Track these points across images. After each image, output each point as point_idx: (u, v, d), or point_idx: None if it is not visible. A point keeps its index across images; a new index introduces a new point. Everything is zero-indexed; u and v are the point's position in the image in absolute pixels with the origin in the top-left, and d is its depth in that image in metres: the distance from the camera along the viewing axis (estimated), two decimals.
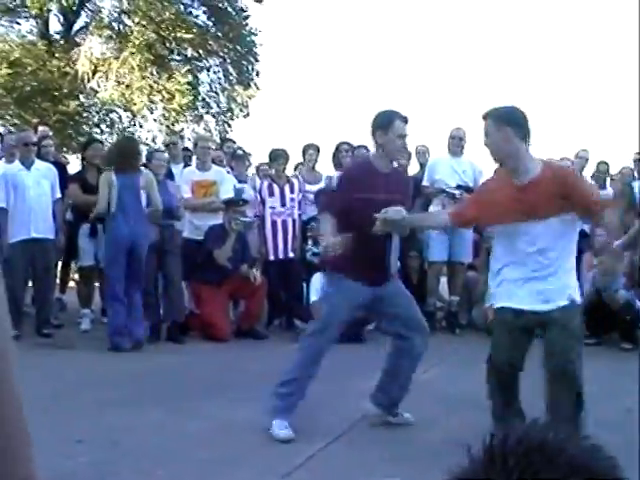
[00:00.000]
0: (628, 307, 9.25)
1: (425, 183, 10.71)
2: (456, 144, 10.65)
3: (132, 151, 9.35)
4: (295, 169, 11.62)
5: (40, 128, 11.97)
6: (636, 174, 11.78)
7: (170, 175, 10.06)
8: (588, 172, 12.08)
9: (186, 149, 12.37)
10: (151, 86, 20.94)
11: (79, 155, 12.44)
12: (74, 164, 13.51)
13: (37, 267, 9.37)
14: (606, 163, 12.09)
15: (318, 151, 11.84)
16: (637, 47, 20.72)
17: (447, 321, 10.65)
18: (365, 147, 11.54)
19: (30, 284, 9.67)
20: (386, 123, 5.65)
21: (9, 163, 9.53)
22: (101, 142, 12.37)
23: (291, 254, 10.53)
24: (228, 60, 22.41)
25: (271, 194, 10.54)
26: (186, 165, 11.07)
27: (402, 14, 42.32)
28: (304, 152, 11.75)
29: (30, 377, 7.37)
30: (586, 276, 9.68)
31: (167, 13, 20.76)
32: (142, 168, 9.22)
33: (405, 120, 5.72)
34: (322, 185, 11.24)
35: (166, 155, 10.17)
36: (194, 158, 11.03)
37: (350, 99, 40.15)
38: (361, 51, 42.67)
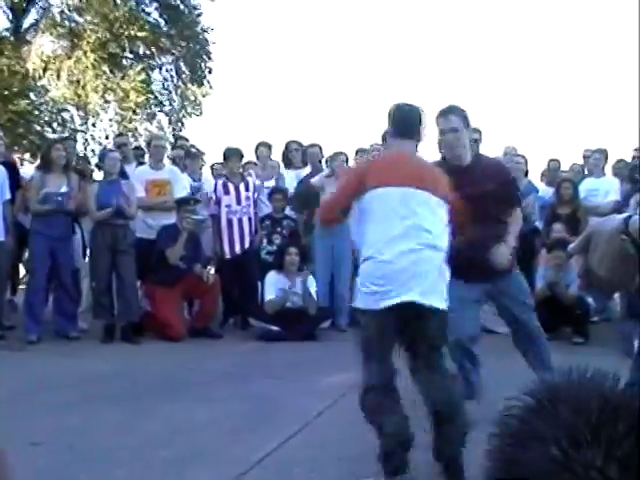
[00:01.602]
0: (579, 302, 9.38)
1: None
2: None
3: None
4: (243, 168, 11.64)
5: None
6: (586, 171, 11.91)
7: (123, 175, 9.99)
8: (534, 171, 12.21)
9: (139, 148, 12.31)
10: (104, 85, 20.82)
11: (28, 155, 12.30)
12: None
13: None
14: (557, 160, 12.20)
15: (270, 149, 11.90)
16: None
17: None
18: (318, 146, 11.60)
19: None
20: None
21: None
22: (72, 139, 12.28)
23: (247, 246, 10.50)
24: (181, 58, 22.36)
25: (226, 192, 10.52)
26: (139, 164, 11.03)
27: (354, 9, 42.43)
28: (256, 150, 11.81)
29: None
30: (539, 272, 9.82)
31: (120, 11, 20.66)
32: None
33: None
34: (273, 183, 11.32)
35: (118, 154, 10.11)
36: (147, 157, 11.01)
37: (303, 97, 40.20)
38: (313, 48, 42.72)
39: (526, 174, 11.71)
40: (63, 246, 9.48)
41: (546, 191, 11.33)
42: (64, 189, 9.39)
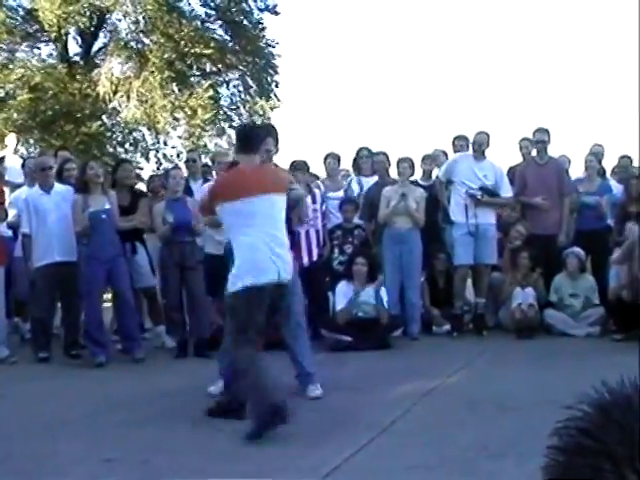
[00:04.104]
0: None
1: (440, 175, 10.71)
2: (477, 149, 10.54)
3: None
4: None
5: (60, 153, 11.87)
6: None
7: (189, 192, 10.08)
8: (608, 166, 12.04)
9: (206, 165, 12.42)
10: (173, 103, 21.08)
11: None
12: None
13: (63, 290, 9.42)
14: (629, 157, 11.97)
15: (338, 160, 11.92)
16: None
17: (474, 323, 10.58)
18: (384, 153, 11.61)
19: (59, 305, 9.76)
20: None
21: (31, 187, 9.69)
22: (130, 162, 12.38)
23: (315, 258, 10.48)
24: (247, 73, 22.53)
25: None
26: (206, 180, 11.12)
27: (419, 22, 42.34)
28: (324, 161, 11.83)
29: (60, 398, 7.43)
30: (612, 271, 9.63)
31: (185, 30, 20.90)
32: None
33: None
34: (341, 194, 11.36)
35: (182, 171, 10.21)
36: (214, 173, 11.09)
37: (370, 107, 40.11)
38: (379, 58, 42.68)
39: (603, 174, 11.61)
40: (117, 266, 9.32)
41: (617, 188, 11.15)
42: (107, 206, 9.30)
